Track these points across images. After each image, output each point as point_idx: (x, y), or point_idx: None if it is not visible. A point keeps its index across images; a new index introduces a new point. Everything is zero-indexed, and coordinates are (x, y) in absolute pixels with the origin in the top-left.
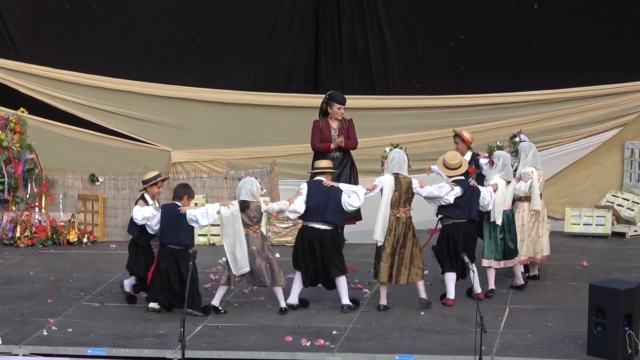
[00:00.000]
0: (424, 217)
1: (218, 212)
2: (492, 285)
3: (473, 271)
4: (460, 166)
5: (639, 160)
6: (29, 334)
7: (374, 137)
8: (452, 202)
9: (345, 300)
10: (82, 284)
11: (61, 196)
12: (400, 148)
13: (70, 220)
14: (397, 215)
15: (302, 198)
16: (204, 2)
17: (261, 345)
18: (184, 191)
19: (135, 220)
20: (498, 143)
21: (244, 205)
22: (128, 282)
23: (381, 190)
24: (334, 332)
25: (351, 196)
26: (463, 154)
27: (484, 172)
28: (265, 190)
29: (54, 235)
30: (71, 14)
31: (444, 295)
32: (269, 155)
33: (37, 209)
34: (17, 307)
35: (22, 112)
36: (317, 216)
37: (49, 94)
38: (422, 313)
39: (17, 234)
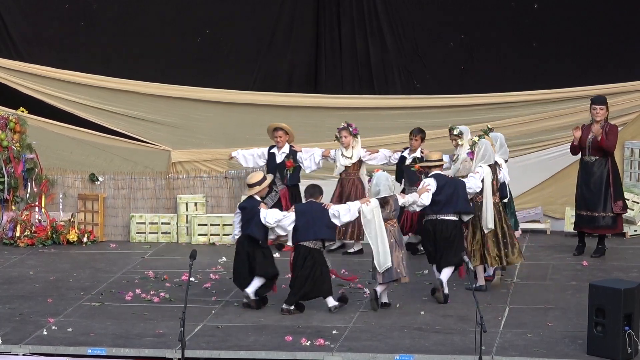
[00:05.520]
0: None
1: (359, 210)
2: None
3: (472, 270)
4: None
5: (639, 160)
6: (29, 334)
7: (374, 137)
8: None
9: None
10: (82, 284)
11: (61, 196)
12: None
13: (70, 220)
14: (494, 201)
15: (429, 194)
16: (205, 3)
17: (261, 345)
18: (319, 190)
19: (267, 223)
20: (489, 125)
21: (385, 201)
22: (251, 290)
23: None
24: (334, 332)
25: (469, 180)
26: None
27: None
28: (392, 180)
29: (53, 235)
30: (71, 14)
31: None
32: None
33: (37, 209)
34: (17, 307)
35: (22, 112)
36: (448, 208)
37: (49, 93)
38: (422, 313)
39: (17, 234)
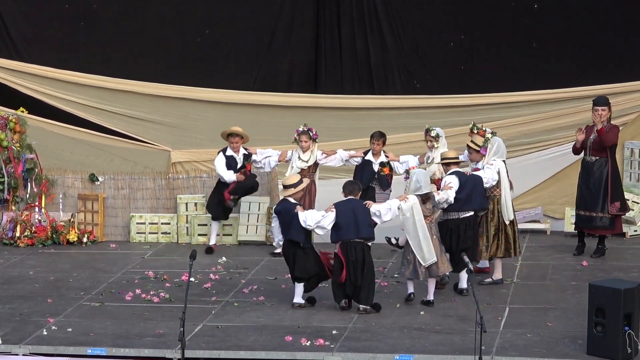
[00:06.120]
0: None
1: (398, 208)
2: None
3: (472, 271)
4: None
5: (639, 160)
6: (29, 334)
7: None
8: None
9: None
10: (82, 284)
11: (61, 196)
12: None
13: (70, 220)
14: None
15: (453, 192)
16: (205, 3)
17: (261, 345)
18: (358, 187)
19: (307, 226)
20: (475, 123)
21: (427, 197)
22: (299, 299)
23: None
24: (334, 332)
25: (486, 171)
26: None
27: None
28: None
29: (53, 235)
30: (71, 14)
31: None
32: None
33: (37, 209)
34: (17, 307)
35: (22, 112)
36: (468, 205)
37: (49, 94)
38: (422, 313)
39: (17, 234)
